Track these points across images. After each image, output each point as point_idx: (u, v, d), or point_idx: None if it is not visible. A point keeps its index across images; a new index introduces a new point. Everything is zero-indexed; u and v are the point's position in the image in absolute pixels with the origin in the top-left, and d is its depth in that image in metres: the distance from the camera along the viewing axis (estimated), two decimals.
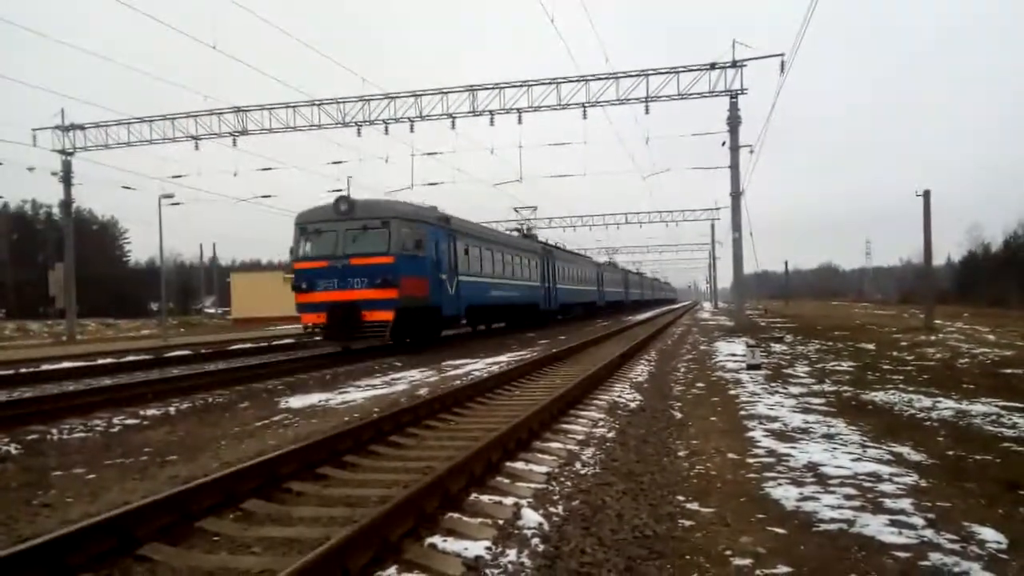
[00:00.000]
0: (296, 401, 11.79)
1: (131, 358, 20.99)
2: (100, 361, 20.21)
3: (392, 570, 4.23)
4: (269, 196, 39.14)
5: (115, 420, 10.27)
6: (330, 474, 6.55)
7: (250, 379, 14.69)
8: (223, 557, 4.58)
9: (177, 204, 35.35)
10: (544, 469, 6.56)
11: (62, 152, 35.46)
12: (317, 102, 31.76)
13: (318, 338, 20.60)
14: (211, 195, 38.36)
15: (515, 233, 36.78)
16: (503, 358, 18.68)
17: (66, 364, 19.57)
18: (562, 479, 6.25)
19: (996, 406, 9.90)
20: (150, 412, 10.94)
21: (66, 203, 37.20)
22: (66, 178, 36.22)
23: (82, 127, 34.79)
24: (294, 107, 31.78)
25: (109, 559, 4.46)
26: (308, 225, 20.64)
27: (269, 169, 35.26)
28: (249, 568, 4.31)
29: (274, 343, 27.11)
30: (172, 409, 11.27)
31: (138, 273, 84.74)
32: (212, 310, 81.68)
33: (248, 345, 26.20)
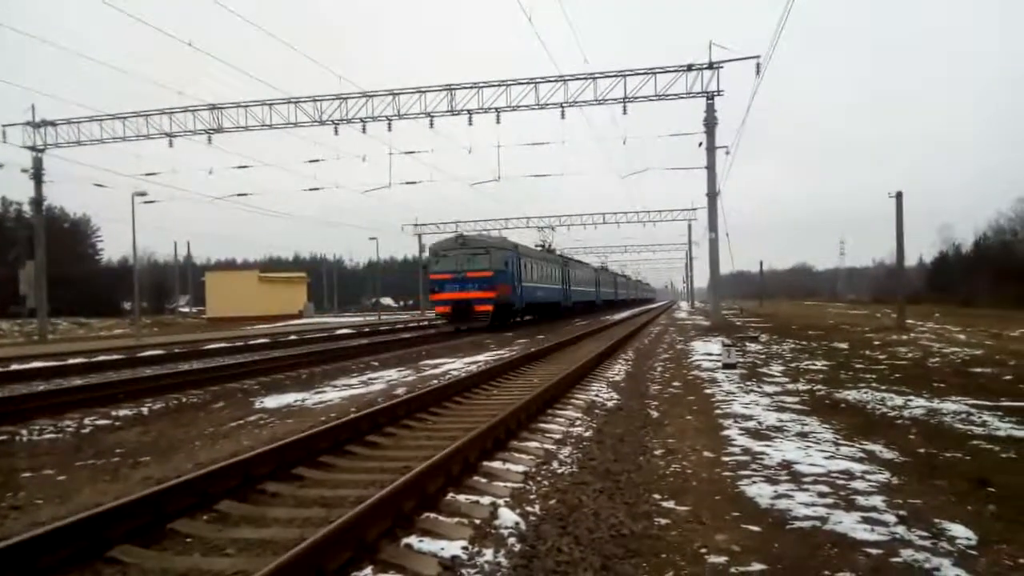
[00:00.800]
0: (271, 401, 11.70)
1: (103, 358, 20.68)
2: (71, 361, 19.89)
3: (368, 571, 4.21)
4: (245, 194, 38.86)
5: (86, 421, 10.13)
6: (306, 475, 6.50)
7: (225, 379, 14.54)
8: (196, 559, 4.53)
9: (151, 202, 34.96)
10: (521, 468, 6.57)
11: (33, 149, 34.89)
12: (294, 100, 31.54)
13: (442, 322, 32.88)
14: (186, 193, 37.97)
15: (540, 247, 45.69)
16: (481, 357, 18.66)
17: (36, 364, 19.26)
18: (539, 478, 6.26)
19: (966, 404, 10.07)
20: (122, 412, 10.80)
21: (37, 200, 36.59)
22: (37, 175, 35.64)
23: (53, 124, 34.25)
24: (270, 105, 31.54)
25: (79, 562, 4.39)
26: (439, 251, 32.45)
27: (245, 167, 35.00)
28: (223, 570, 4.27)
29: (250, 343, 26.86)
30: (145, 409, 11.13)
31: (111, 272, 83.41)
32: (186, 309, 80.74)
33: (223, 345, 25.94)
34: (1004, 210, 69.62)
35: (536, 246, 44.78)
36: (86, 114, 33.43)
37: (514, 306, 33.60)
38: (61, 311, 53.56)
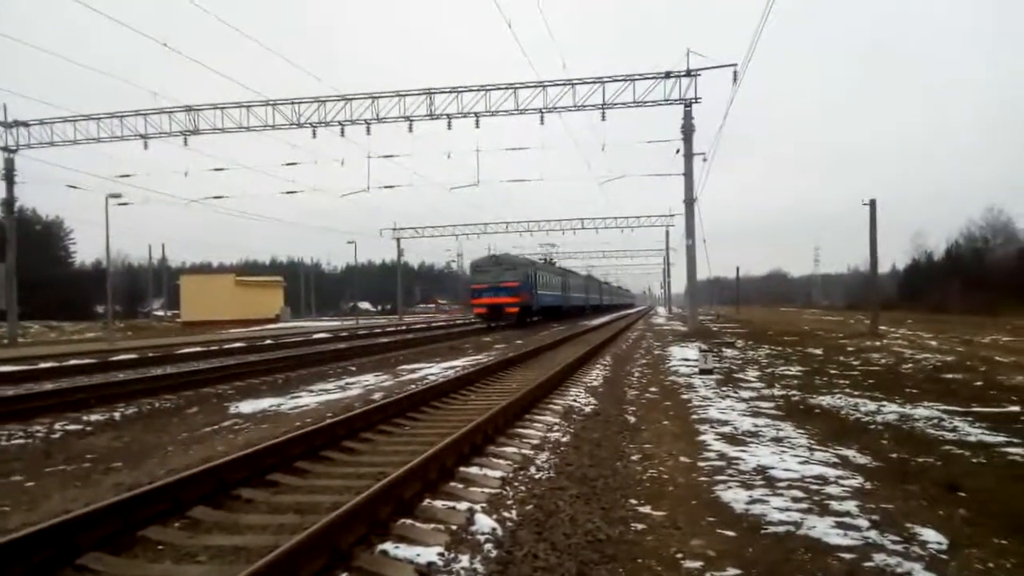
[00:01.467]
0: (247, 406, 11.58)
1: (75, 362, 20.38)
2: (42, 365, 19.58)
3: None
4: (221, 197, 38.49)
5: (57, 426, 9.97)
6: (281, 481, 6.44)
7: (199, 384, 14.39)
8: (167, 566, 4.47)
9: (125, 204, 34.47)
10: (499, 474, 6.56)
11: (5, 149, 34.34)
12: (271, 102, 31.31)
13: (478, 320, 42.63)
14: (161, 195, 37.52)
15: (543, 260, 54.19)
16: (459, 362, 18.63)
17: (6, 368, 18.90)
18: (516, 484, 6.25)
19: (938, 410, 10.20)
20: (94, 417, 10.65)
21: (8, 201, 35.99)
22: (8, 176, 35.08)
23: (26, 124, 33.72)
24: (247, 107, 31.26)
25: (48, 570, 4.31)
26: (479, 267, 42.48)
27: (221, 170, 34.67)
28: None
29: (225, 347, 26.60)
30: (117, 415, 10.98)
31: (83, 275, 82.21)
32: (161, 313, 79.73)
33: (198, 349, 25.66)
34: (975, 218, 70.86)
35: (540, 259, 53.57)
36: (60, 115, 32.97)
37: (531, 308, 43.71)
38: (32, 315, 52.68)
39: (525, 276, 41.62)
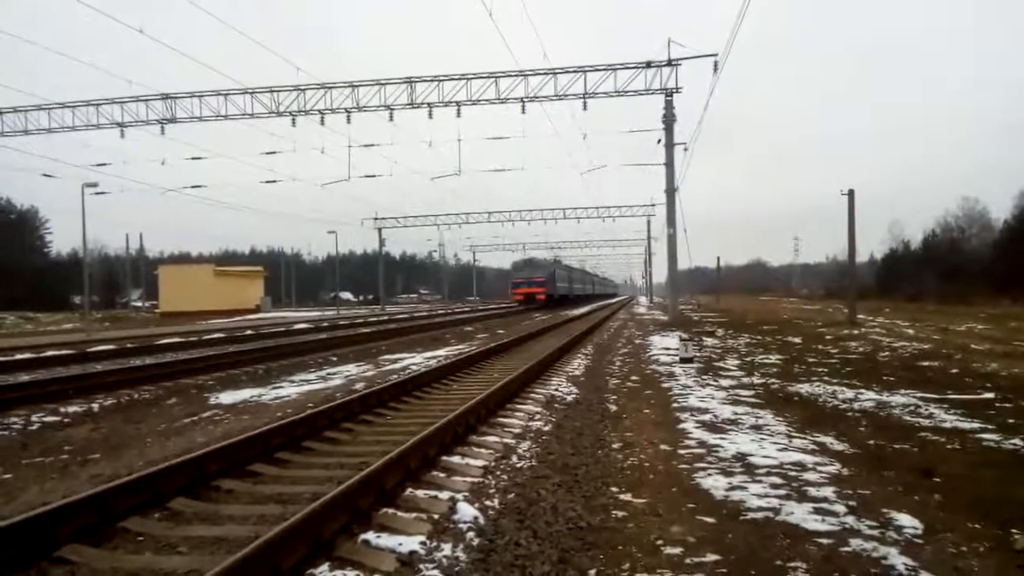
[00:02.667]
0: (227, 397, 11.51)
1: (51, 353, 20.13)
2: (18, 356, 19.31)
3: (324, 567, 4.18)
4: (199, 186, 38.15)
5: (34, 418, 9.85)
6: (262, 471, 6.42)
7: (178, 375, 14.27)
8: (147, 558, 4.44)
9: (102, 193, 34.09)
10: (480, 463, 6.58)
11: None
12: (250, 90, 30.92)
13: (518, 304, 58.29)
14: (138, 184, 36.86)
15: (555, 260, 71.95)
16: (441, 352, 18.62)
17: None
18: (498, 472, 6.28)
19: (914, 397, 10.35)
20: (72, 409, 10.53)
21: None
22: None
23: None
24: (225, 95, 30.86)
25: (26, 562, 4.27)
26: (519, 267, 62.54)
27: (199, 159, 34.30)
28: (175, 568, 4.20)
29: (204, 338, 26.39)
30: (95, 406, 10.87)
31: (60, 265, 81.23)
32: (139, 303, 78.89)
33: (177, 340, 25.41)
34: (952, 208, 71.65)
35: (555, 259, 72.29)
36: (32, 102, 32.39)
37: (553, 297, 59.65)
38: (8, 306, 51.97)
39: (549, 274, 60.07)
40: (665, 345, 20.21)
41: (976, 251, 64.43)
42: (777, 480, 6.00)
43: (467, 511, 5.08)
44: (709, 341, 21.76)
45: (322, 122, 31.02)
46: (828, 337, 22.94)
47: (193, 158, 34.11)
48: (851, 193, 31.87)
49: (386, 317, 46.12)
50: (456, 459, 6.72)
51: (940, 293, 56.60)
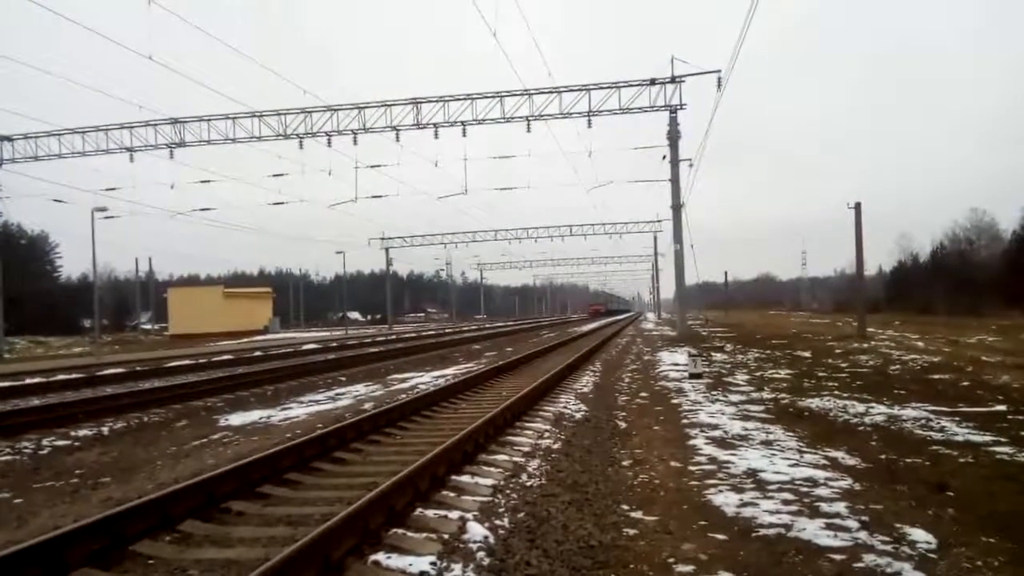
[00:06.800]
0: (236, 419, 11.53)
1: (62, 377, 20.21)
2: (29, 381, 19.39)
3: None
4: (208, 209, 38.39)
5: (44, 442, 9.89)
6: (271, 493, 6.41)
7: (188, 397, 14.30)
8: None
9: (111, 218, 34.38)
10: (490, 482, 6.56)
11: None
12: (258, 113, 31.22)
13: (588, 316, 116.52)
14: (147, 208, 37.16)
15: (600, 293, 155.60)
16: (449, 371, 18.61)
17: None
18: (508, 491, 6.25)
19: (925, 410, 10.28)
20: (82, 433, 10.57)
21: None
22: None
23: (10, 139, 33.45)
24: (234, 119, 31.16)
25: None
26: (592, 297, 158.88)
27: (208, 182, 34.56)
28: None
29: (213, 359, 26.45)
30: (105, 429, 10.90)
31: (70, 289, 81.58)
32: (148, 326, 79.15)
33: (186, 362, 25.49)
34: (960, 220, 71.29)
35: (598, 292, 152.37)
36: (44, 129, 32.75)
37: (602, 313, 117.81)
38: (18, 330, 52.24)
39: (603, 302, 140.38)
40: (674, 361, 20.14)
41: (985, 263, 64.07)
42: (789, 496, 5.96)
43: (477, 530, 5.06)
44: (718, 356, 21.68)
45: (329, 144, 31.24)
46: (838, 351, 22.83)
47: (202, 181, 34.38)
48: (858, 206, 31.81)
49: (394, 336, 46.16)
50: (466, 478, 6.70)
51: (950, 305, 56.28)
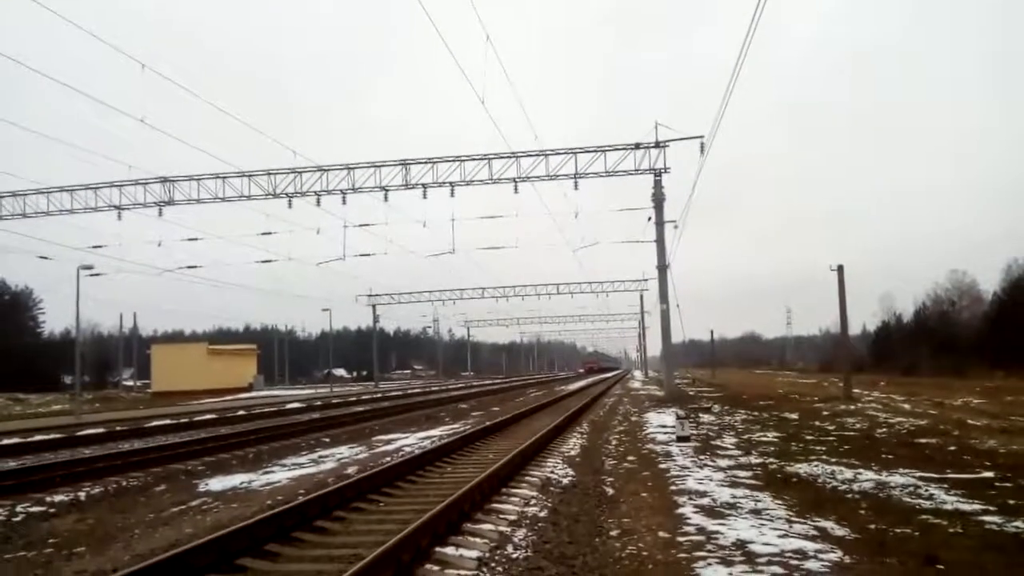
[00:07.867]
0: (216, 483, 11.32)
1: (39, 437, 19.83)
2: (4, 441, 19.01)
3: None
4: (195, 267, 38.34)
5: (19, 508, 9.64)
6: (249, 566, 6.26)
7: (168, 459, 14.04)
8: None
9: (97, 275, 34.20)
10: (475, 554, 6.44)
11: None
12: (248, 173, 31.43)
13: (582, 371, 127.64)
14: (134, 265, 37.14)
15: (593, 351, 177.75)
16: (435, 432, 18.42)
17: None
18: (493, 564, 6.14)
19: (913, 477, 10.23)
20: (58, 498, 10.32)
21: None
22: None
23: None
24: (223, 178, 31.36)
25: None
26: (585, 356, 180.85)
27: (196, 240, 34.61)
28: None
29: (195, 419, 26.05)
30: (83, 494, 10.66)
31: (52, 345, 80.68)
32: (131, 383, 78.10)
33: (167, 422, 25.10)
34: (941, 281, 72.12)
35: (589, 351, 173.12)
36: (33, 187, 32.77)
37: (595, 370, 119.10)
38: None
39: (596, 359, 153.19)
40: (661, 422, 20.01)
41: (968, 324, 64.68)
42: (778, 570, 5.87)
43: None
44: (705, 418, 21.57)
45: (318, 203, 31.43)
46: (825, 413, 22.79)
47: (190, 239, 34.43)
48: (840, 268, 32.16)
49: (380, 394, 45.75)
50: (450, 550, 6.58)
51: (934, 366, 56.53)
